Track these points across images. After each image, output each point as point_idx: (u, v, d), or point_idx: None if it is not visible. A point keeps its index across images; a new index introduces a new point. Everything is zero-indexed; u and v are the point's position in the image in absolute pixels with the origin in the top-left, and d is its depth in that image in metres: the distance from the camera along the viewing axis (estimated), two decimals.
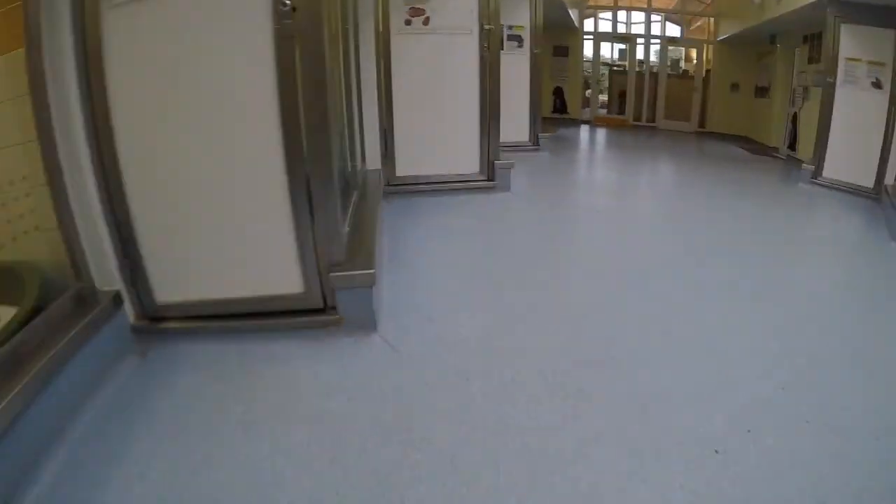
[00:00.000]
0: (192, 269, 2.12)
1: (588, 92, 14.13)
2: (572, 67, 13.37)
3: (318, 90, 1.95)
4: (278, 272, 2.13)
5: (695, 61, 14.95)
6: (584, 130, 12.29)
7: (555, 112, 13.48)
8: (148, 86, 1.91)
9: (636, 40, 13.59)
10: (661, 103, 13.46)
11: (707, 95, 12.97)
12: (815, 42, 8.09)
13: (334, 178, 2.07)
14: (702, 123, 13.16)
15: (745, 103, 12.09)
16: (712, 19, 13.06)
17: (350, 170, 3.18)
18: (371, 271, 2.17)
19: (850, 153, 6.28)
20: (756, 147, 10.48)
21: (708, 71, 13.07)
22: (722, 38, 11.97)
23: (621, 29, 14.04)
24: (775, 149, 9.95)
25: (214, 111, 1.95)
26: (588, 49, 14.02)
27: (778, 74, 9.88)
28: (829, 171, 6.48)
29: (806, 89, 8.27)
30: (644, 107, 13.64)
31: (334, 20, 2.63)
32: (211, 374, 1.92)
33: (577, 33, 13.19)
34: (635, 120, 13.66)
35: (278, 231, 2.07)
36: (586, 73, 14.27)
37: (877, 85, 6.07)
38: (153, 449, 1.56)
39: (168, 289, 2.12)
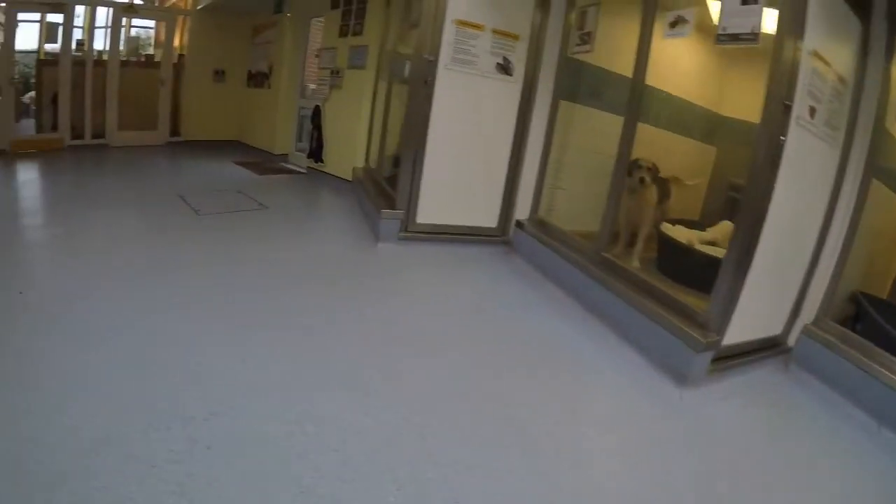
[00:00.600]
0: None
1: None
2: None
3: None
4: None
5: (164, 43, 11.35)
6: None
7: None
8: None
9: (74, 8, 8.67)
10: (112, 107, 8.90)
11: (181, 90, 9.35)
12: (353, 6, 5.84)
13: None
14: (175, 130, 9.42)
15: (235, 97, 9.14)
16: None
17: None
18: None
19: (462, 179, 3.88)
20: (259, 158, 7.48)
21: (182, 56, 9.49)
22: (204, 6, 8.67)
23: None
24: (285, 156, 7.28)
25: None
26: None
27: (285, 55, 7.20)
28: (430, 216, 3.84)
29: (337, 73, 5.75)
30: (87, 115, 8.77)
31: None
32: None
33: None
34: (75, 137, 8.57)
35: None
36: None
37: (504, 68, 3.80)
38: None
39: None
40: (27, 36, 8.83)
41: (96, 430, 1.75)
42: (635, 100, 3.14)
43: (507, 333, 2.74)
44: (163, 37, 11.05)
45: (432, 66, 3.60)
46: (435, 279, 3.36)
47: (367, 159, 5.23)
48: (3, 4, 8.22)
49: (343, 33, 5.87)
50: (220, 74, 9.09)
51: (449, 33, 3.61)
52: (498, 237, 3.96)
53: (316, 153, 5.91)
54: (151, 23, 10.71)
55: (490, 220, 3.95)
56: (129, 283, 2.94)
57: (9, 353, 2.20)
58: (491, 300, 3.14)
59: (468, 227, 3.88)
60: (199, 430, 1.80)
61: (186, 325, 2.50)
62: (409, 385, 2.18)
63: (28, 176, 6.67)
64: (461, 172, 3.80)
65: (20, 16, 8.54)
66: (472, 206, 3.89)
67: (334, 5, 6.16)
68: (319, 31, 7.44)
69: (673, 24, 3.17)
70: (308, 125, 7.01)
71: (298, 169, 6.58)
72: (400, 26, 4.67)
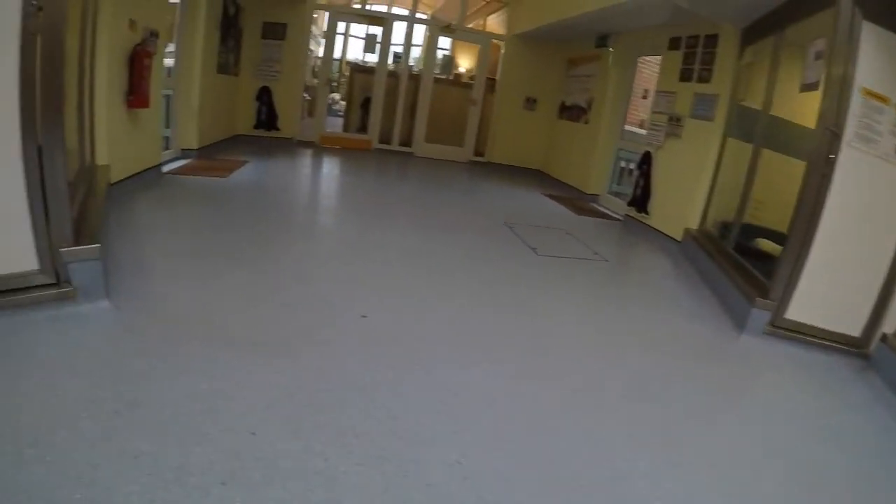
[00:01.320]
0: None
1: (306, 94, 10.20)
2: (289, 57, 9.18)
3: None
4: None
5: (462, 65, 12.67)
6: (300, 160, 8.34)
7: (259, 127, 9.26)
8: None
9: (392, 23, 10.19)
10: (421, 119, 10.28)
11: (489, 112, 10.30)
12: (698, 49, 5.81)
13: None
14: (479, 150, 10.45)
15: (544, 127, 9.82)
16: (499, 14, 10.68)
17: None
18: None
19: (840, 276, 3.60)
20: (569, 194, 7.93)
21: (492, 79, 10.44)
22: (519, 32, 9.42)
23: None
24: (595, 197, 7.61)
25: None
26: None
27: (608, 92, 7.51)
28: (799, 311, 3.64)
29: (676, 120, 5.88)
30: (397, 123, 10.30)
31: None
32: None
33: (303, 4, 9.11)
34: (382, 142, 10.19)
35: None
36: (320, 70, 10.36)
37: None
38: None
39: None
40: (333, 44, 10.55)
41: None
42: None
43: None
44: (461, 64, 12.31)
45: (836, 140, 3.39)
46: (803, 398, 3.14)
47: (703, 221, 5.19)
48: (317, 15, 9.95)
49: (685, 77, 5.88)
50: (531, 102, 9.81)
51: (855, 104, 3.37)
52: (856, 349, 3.56)
53: (640, 202, 6.06)
54: (447, 44, 11.96)
55: (853, 327, 3.56)
56: (492, 341, 2.96)
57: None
58: (853, 437, 2.81)
59: (829, 331, 3.58)
60: None
61: (576, 429, 2.29)
62: None
63: (342, 170, 8.05)
64: (838, 268, 3.53)
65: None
66: (840, 308, 3.58)
67: (673, 46, 6.20)
68: (644, 68, 7.61)
69: None
70: (617, 167, 7.27)
71: (614, 214, 6.82)
72: (770, 82, 4.51)
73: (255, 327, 2.76)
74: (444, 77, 11.17)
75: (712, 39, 5.54)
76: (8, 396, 1.97)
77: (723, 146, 5.13)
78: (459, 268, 4.18)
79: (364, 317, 3.00)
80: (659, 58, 6.68)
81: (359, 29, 12.87)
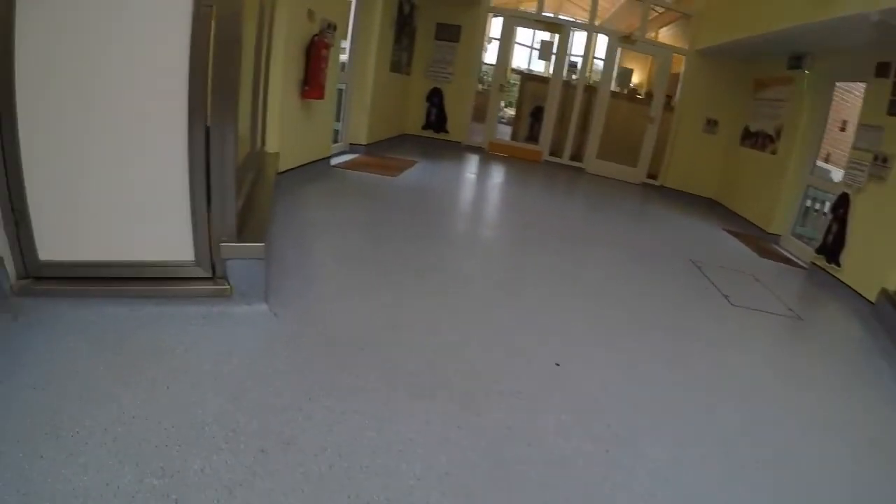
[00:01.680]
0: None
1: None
2: (462, 60, 9.39)
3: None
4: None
5: (637, 81, 12.12)
6: (469, 167, 8.40)
7: (427, 128, 9.64)
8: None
9: (570, 31, 10.05)
10: (595, 134, 10.04)
11: (666, 132, 9.81)
12: None
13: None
14: (652, 172, 10.01)
15: (723, 152, 9.14)
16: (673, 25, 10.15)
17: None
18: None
19: None
20: (748, 231, 7.35)
21: (669, 97, 9.95)
22: (703, 47, 8.87)
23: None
24: (776, 238, 6.93)
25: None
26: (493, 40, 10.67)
27: (802, 120, 6.81)
28: None
29: (883, 161, 5.16)
30: (569, 137, 10.17)
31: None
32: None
33: (478, 7, 9.27)
34: (553, 154, 10.18)
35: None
36: (484, 75, 10.64)
37: None
38: None
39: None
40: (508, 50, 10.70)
41: None
42: None
43: None
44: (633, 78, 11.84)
45: None
46: None
47: None
48: (501, 17, 9.98)
49: (895, 111, 5.17)
50: (711, 124, 9.20)
51: None
52: None
53: (831, 250, 5.40)
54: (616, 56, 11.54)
55: None
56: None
57: None
58: None
59: None
60: None
61: None
62: None
63: (514, 181, 7.91)
64: None
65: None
66: None
67: (881, 72, 5.45)
68: (837, 95, 6.80)
69: None
70: (802, 206, 6.58)
71: (798, 260, 6.14)
72: None
73: (431, 363, 2.42)
74: (619, 91, 10.86)
75: None
76: (141, 404, 1.77)
77: None
78: (656, 314, 3.72)
79: (558, 365, 2.64)
80: (861, 85, 5.93)
81: (524, 35, 13.01)
